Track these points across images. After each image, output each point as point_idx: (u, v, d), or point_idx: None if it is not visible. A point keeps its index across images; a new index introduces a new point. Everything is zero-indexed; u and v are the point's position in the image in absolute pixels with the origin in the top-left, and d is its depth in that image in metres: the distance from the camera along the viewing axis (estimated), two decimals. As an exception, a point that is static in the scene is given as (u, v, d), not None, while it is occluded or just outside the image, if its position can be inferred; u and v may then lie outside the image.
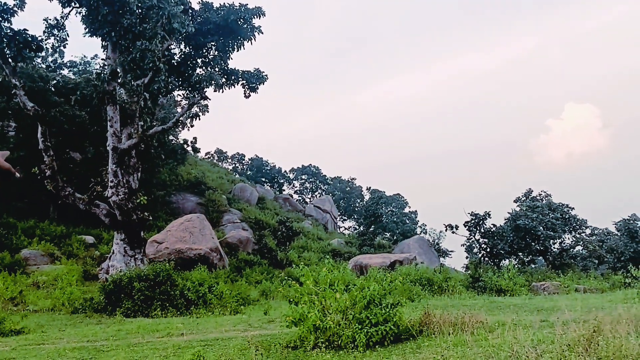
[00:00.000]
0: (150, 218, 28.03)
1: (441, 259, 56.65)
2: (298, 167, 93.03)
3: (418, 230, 72.17)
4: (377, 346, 10.17)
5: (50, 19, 27.36)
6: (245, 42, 31.77)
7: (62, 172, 27.91)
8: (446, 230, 46.23)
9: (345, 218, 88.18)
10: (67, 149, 36.59)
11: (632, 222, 41.87)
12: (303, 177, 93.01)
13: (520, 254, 43.26)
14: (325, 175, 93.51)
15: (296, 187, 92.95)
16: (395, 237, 67.67)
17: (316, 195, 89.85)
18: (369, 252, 47.36)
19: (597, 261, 41.92)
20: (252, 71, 32.62)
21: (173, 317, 18.42)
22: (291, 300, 11.79)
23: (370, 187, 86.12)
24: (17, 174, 14.48)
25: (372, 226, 64.64)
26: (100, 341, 13.10)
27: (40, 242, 30.53)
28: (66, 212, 34.75)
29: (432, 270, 29.50)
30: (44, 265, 27.91)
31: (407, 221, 74.86)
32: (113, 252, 25.97)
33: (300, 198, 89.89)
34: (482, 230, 44.16)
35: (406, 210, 78.89)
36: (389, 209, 76.69)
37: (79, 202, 25.99)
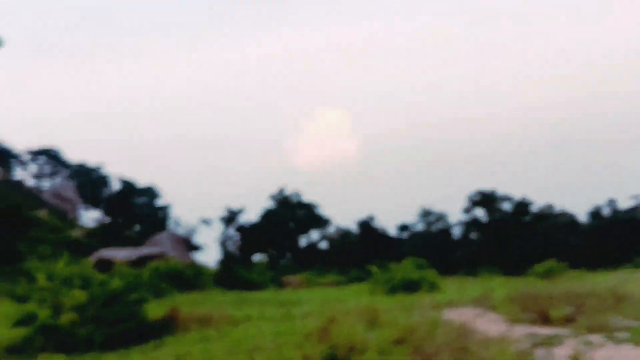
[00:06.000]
0: None
1: (194, 253, 56.39)
2: (35, 149, 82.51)
3: (171, 223, 70.48)
4: (117, 345, 9.52)
5: None
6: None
7: None
8: (201, 224, 46.27)
9: (91, 208, 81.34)
10: None
11: (370, 221, 47.33)
12: (40, 160, 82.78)
13: (271, 249, 45.58)
14: (66, 160, 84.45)
15: (33, 171, 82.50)
16: (146, 231, 65.02)
17: (56, 181, 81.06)
18: (116, 246, 44.74)
19: (338, 256, 46.39)
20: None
21: None
22: (19, 297, 10.46)
23: (121, 175, 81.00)
24: None
25: (121, 218, 61.25)
26: None
27: None
28: None
29: (183, 265, 29.13)
30: None
31: (160, 214, 72.50)
32: None
33: (36, 183, 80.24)
34: (236, 225, 45.31)
35: (160, 201, 76.19)
36: (140, 199, 73.27)
37: None
